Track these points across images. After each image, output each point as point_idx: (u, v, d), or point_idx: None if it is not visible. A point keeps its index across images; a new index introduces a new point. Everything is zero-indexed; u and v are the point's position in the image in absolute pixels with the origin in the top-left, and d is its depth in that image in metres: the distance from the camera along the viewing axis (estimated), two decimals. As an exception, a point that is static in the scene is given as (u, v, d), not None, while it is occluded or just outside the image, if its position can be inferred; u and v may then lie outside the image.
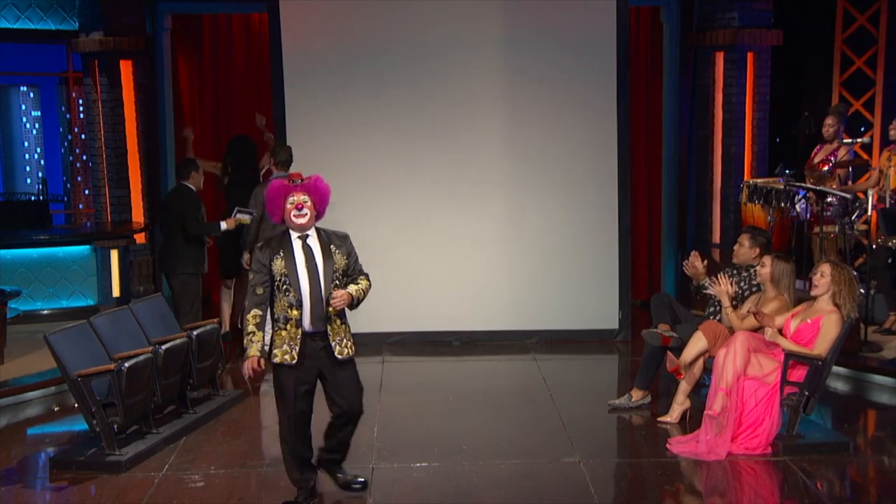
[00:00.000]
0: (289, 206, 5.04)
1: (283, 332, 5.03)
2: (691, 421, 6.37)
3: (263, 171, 8.84)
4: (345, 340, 5.10)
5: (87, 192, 11.76)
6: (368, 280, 5.20)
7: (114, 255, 9.19)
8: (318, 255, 5.06)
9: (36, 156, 13.41)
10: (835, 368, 6.70)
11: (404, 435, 6.40)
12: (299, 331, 5.02)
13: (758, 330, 6.23)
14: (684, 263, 6.99)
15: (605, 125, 8.65)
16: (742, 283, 6.71)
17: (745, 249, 6.81)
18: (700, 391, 6.56)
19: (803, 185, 8.37)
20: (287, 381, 5.06)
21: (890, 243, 7.81)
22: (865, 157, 9.62)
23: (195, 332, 6.74)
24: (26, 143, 13.38)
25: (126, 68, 9.36)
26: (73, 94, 12.02)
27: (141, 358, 6.03)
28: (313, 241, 5.08)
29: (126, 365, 5.86)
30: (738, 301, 6.61)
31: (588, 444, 6.16)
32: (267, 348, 5.04)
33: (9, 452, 6.26)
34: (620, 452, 6.35)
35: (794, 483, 5.59)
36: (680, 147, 9.91)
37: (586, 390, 7.58)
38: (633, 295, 9.15)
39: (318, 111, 8.60)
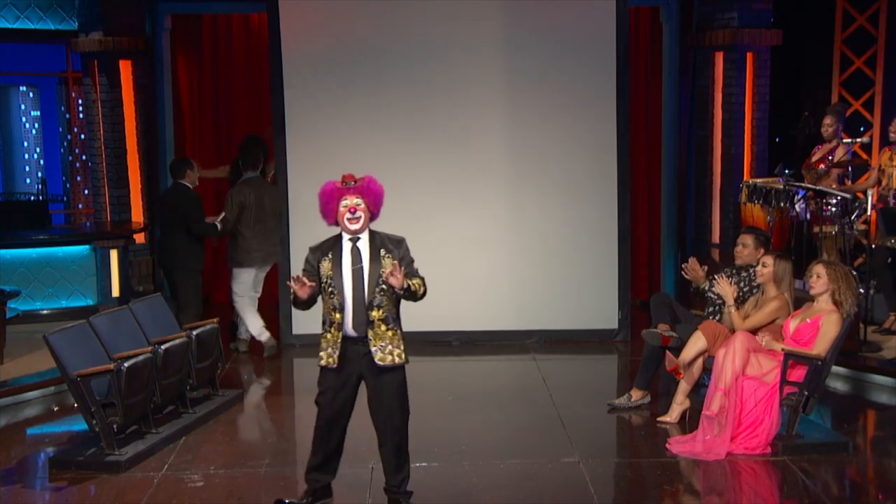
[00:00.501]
0: (342, 209, 4.91)
1: (328, 335, 4.97)
2: (691, 421, 6.37)
3: (270, 175, 8.82)
4: (389, 347, 4.95)
5: (86, 191, 11.73)
6: (425, 285, 5.09)
7: (113, 254, 9.20)
8: (366, 258, 4.95)
9: (35, 156, 13.37)
10: (834, 368, 6.70)
11: (404, 435, 6.39)
12: (340, 334, 4.94)
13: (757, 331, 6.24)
14: (683, 267, 6.99)
15: (605, 125, 8.66)
16: (742, 284, 6.71)
17: (749, 250, 6.77)
18: (700, 391, 6.55)
19: (803, 184, 8.37)
20: (324, 384, 5.03)
21: (889, 243, 7.81)
22: (865, 156, 9.62)
23: (195, 332, 6.75)
24: (26, 143, 13.35)
25: (125, 68, 9.37)
26: (73, 94, 11.98)
27: (140, 358, 6.02)
28: (363, 244, 4.97)
29: (125, 365, 5.85)
30: (738, 301, 6.61)
31: (588, 444, 6.17)
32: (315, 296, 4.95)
33: (8, 452, 6.26)
34: (620, 452, 6.36)
35: (794, 483, 5.59)
36: (679, 147, 9.91)
37: (586, 390, 7.58)
38: (632, 295, 9.15)
39: (318, 111, 8.60)
